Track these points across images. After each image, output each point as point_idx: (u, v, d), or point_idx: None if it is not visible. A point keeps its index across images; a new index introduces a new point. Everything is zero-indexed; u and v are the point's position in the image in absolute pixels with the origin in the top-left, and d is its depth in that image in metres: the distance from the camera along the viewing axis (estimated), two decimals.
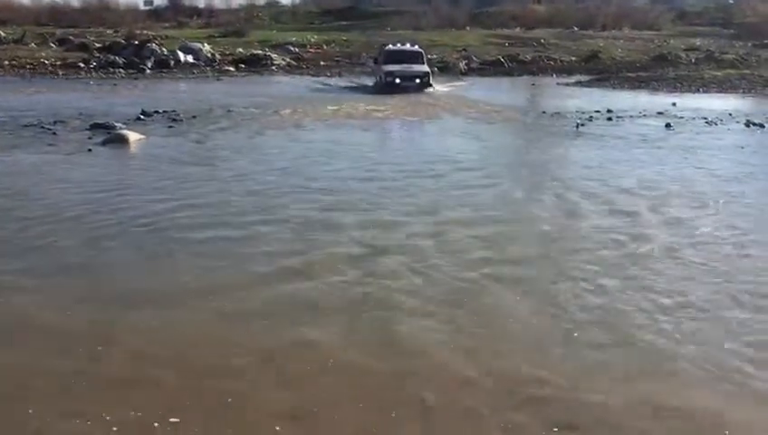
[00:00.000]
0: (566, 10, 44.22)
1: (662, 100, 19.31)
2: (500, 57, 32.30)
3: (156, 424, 3.46)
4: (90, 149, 10.98)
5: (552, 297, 5.11)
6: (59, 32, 35.59)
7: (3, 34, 33.36)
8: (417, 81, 20.93)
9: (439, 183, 8.84)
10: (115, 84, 23.34)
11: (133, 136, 11.93)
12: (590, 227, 6.92)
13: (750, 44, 34.68)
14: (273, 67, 30.15)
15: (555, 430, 3.46)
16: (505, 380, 3.94)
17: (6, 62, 27.60)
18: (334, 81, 25.86)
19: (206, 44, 31.60)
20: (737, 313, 4.86)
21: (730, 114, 15.91)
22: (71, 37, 33.54)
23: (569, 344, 4.38)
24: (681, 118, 15.39)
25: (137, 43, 30.40)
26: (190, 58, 29.52)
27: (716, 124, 14.49)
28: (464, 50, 33.71)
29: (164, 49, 29.67)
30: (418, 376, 3.98)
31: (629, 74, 27.27)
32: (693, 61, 30.72)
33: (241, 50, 32.17)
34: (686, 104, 18.10)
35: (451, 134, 13.39)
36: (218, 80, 25.91)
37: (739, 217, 7.33)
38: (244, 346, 4.31)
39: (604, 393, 3.80)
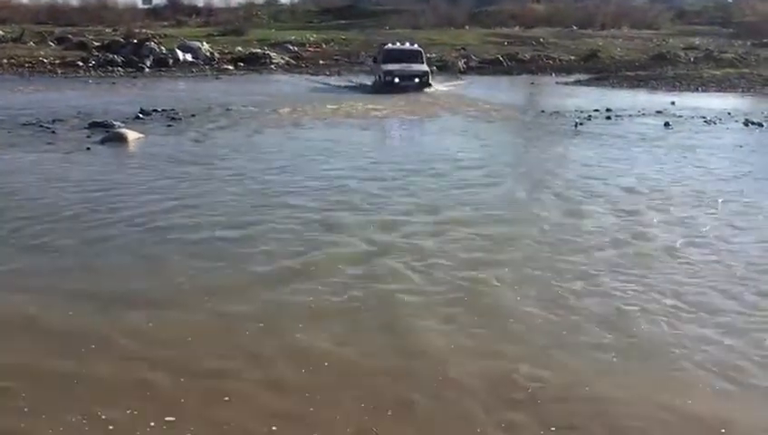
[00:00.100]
0: (565, 9, 44.18)
1: (661, 99, 19.30)
2: (499, 56, 32.27)
3: (152, 423, 3.44)
4: (88, 148, 10.96)
5: (553, 297, 5.09)
6: (57, 30, 35.50)
7: (1, 33, 33.29)
8: (417, 80, 20.86)
9: (439, 182, 8.82)
10: (114, 83, 23.31)
11: (132, 135, 11.91)
12: (590, 225, 6.91)
13: (749, 43, 34.67)
14: (272, 66, 30.12)
15: (553, 429, 3.45)
16: (504, 379, 3.93)
17: (5, 61, 27.54)
18: (333, 80, 25.82)
19: (204, 43, 31.54)
20: (737, 312, 4.86)
21: (729, 113, 15.91)
22: (69, 36, 33.46)
23: (568, 344, 4.37)
24: (680, 117, 15.39)
25: (135, 41, 30.33)
26: (189, 57, 29.48)
27: (715, 123, 14.49)
28: (463, 49, 33.67)
29: (163, 48, 29.60)
30: (417, 376, 3.97)
31: (628, 73, 27.27)
32: (692, 60, 30.69)
33: (240, 48, 32.12)
34: (685, 103, 18.10)
35: (450, 133, 13.38)
36: (217, 78, 25.87)
37: (738, 215, 7.32)
38: (240, 346, 4.30)
39: (603, 393, 3.80)
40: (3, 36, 32.85)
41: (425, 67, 21.70)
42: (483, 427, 3.47)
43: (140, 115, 14.56)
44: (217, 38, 34.94)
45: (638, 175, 9.28)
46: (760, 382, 3.93)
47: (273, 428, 3.44)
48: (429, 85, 21.02)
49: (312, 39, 36.04)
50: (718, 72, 25.66)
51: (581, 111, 16.09)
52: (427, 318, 4.73)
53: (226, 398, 3.69)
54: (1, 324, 4.60)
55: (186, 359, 4.12)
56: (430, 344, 4.35)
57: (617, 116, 15.47)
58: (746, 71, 26.19)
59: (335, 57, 32.64)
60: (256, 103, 16.93)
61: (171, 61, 28.67)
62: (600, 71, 28.93)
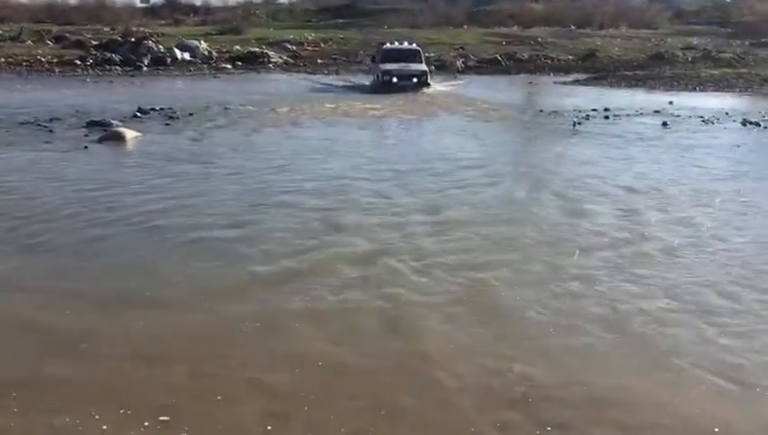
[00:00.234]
0: (563, 8, 44.15)
1: (659, 98, 19.30)
2: (497, 55, 32.26)
3: (146, 423, 3.43)
4: (86, 147, 10.94)
5: (552, 296, 5.09)
6: (55, 29, 35.44)
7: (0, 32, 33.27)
8: (415, 80, 20.76)
9: (438, 181, 8.81)
10: (111, 82, 23.28)
11: (129, 133, 11.89)
12: (590, 225, 6.91)
13: (747, 43, 34.68)
14: (270, 65, 30.08)
15: (549, 429, 3.44)
16: (502, 379, 3.92)
17: (3, 60, 27.48)
18: (331, 79, 25.79)
19: (202, 42, 31.49)
20: (734, 311, 4.85)
21: (726, 113, 15.91)
22: (67, 35, 33.39)
23: (566, 344, 4.37)
24: (678, 116, 15.39)
25: (133, 40, 30.26)
26: (187, 55, 29.43)
27: (713, 123, 14.49)
28: (461, 48, 33.65)
29: (161, 46, 29.55)
30: (413, 375, 3.96)
31: (626, 73, 27.25)
32: (690, 59, 30.69)
33: (238, 47, 32.07)
34: (683, 103, 18.10)
35: (449, 132, 13.37)
36: (215, 77, 25.86)
37: (735, 215, 7.33)
38: (236, 346, 4.29)
39: (600, 393, 3.79)
40: (1, 35, 32.80)
41: (423, 67, 21.63)
42: (477, 426, 3.46)
43: (138, 114, 14.53)
44: (215, 37, 34.90)
45: (636, 174, 9.28)
46: (757, 382, 3.93)
47: (269, 427, 3.43)
48: (428, 85, 20.95)
49: (310, 38, 36.00)
50: (716, 72, 25.66)
51: (580, 111, 16.08)
52: (426, 318, 4.72)
53: (220, 397, 3.67)
54: None
55: (181, 358, 4.11)
56: (428, 344, 4.34)
57: (615, 115, 15.47)
58: (744, 70, 26.19)
59: (333, 56, 32.60)
60: (254, 102, 16.91)
61: (169, 60, 28.62)
62: (598, 70, 28.92)
